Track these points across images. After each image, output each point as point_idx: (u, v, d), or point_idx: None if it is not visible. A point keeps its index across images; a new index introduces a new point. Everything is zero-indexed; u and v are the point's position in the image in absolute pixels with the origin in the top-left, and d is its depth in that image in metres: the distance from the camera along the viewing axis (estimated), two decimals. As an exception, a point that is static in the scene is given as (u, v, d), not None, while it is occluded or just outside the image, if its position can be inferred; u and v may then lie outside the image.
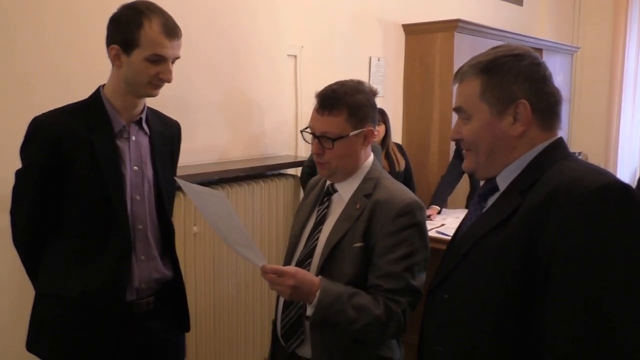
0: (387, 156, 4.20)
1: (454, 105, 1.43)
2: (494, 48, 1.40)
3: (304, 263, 1.86)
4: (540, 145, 1.33)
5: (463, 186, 4.66)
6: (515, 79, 1.32)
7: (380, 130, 4.10)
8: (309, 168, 3.67)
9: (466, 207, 4.61)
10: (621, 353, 1.07)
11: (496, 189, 1.39)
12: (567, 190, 1.16)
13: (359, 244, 1.76)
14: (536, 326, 1.19)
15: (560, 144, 1.35)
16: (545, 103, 1.33)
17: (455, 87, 1.44)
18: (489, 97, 1.34)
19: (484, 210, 1.42)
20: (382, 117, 4.13)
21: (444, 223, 3.96)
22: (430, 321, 1.49)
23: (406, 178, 4.25)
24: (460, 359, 1.34)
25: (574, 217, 1.13)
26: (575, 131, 7.92)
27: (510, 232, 1.25)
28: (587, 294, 1.10)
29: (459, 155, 4.40)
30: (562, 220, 1.14)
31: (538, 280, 1.18)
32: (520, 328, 1.22)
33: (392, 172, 4.10)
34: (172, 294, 2.15)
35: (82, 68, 2.73)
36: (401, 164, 4.23)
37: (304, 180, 3.72)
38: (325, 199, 1.94)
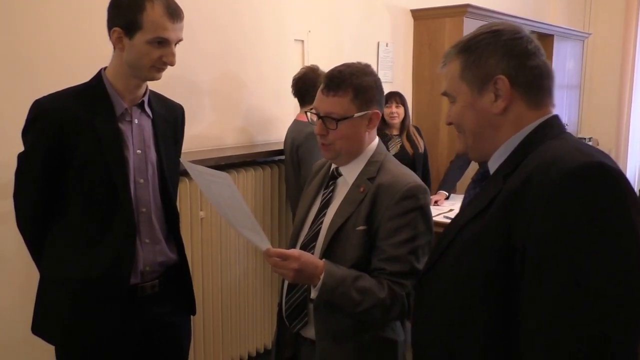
0: (409, 138, 4.34)
1: (442, 90, 1.42)
2: (478, 28, 1.37)
3: (308, 246, 1.85)
4: (529, 125, 1.29)
5: (472, 172, 4.64)
6: (492, 55, 1.28)
7: (399, 112, 4.27)
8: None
9: (475, 193, 4.60)
10: (601, 334, 1.03)
11: (489, 173, 1.36)
12: (542, 173, 1.12)
13: (362, 227, 1.76)
14: (517, 313, 1.15)
15: (550, 122, 1.29)
16: (527, 77, 1.28)
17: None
18: (467, 76, 1.32)
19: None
20: (401, 99, 4.28)
21: (452, 208, 3.94)
22: (417, 310, 1.47)
23: (424, 160, 4.41)
24: (445, 349, 1.32)
25: (548, 200, 1.08)
26: (585, 117, 7.87)
27: (489, 220, 1.21)
28: (562, 279, 1.05)
29: None
30: (536, 204, 1.10)
31: (516, 269, 1.14)
32: (503, 317, 1.18)
33: (416, 153, 4.29)
34: (177, 277, 2.16)
35: (83, 51, 2.73)
36: (421, 146, 4.37)
37: None
38: (330, 183, 1.94)
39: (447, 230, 1.39)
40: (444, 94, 1.40)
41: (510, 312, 1.17)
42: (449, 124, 1.41)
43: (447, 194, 4.30)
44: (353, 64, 1.84)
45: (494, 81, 1.28)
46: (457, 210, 3.88)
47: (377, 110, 1.84)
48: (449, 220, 3.59)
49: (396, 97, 4.27)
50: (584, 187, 1.06)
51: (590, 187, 1.06)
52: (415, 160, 4.29)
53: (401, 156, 4.17)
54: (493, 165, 1.34)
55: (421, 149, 4.36)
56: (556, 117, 1.31)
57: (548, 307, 1.07)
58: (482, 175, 1.39)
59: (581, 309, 1.03)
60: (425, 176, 4.41)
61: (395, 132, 4.32)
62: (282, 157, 3.62)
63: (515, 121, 1.29)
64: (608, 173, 1.07)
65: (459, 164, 4.45)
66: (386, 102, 4.23)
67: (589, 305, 1.03)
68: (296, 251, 1.70)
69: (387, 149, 4.14)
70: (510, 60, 1.27)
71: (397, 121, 4.28)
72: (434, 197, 4.11)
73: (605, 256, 1.03)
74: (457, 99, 1.35)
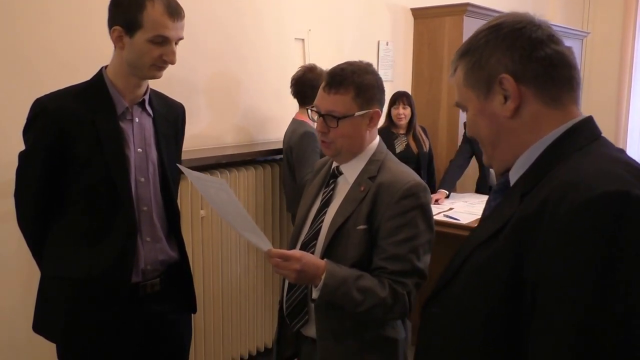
0: (415, 137, 4.40)
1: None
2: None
3: (308, 245, 1.86)
4: (554, 131, 1.13)
5: (472, 170, 4.64)
6: (493, 53, 1.14)
7: (406, 113, 4.34)
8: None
9: (476, 192, 4.60)
10: None
11: (509, 184, 1.22)
12: (558, 199, 0.97)
13: (362, 227, 1.76)
14: (521, 356, 1.02)
15: (581, 128, 1.13)
16: (536, 70, 1.12)
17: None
18: (471, 80, 1.19)
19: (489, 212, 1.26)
20: (408, 100, 4.35)
21: (452, 207, 3.94)
22: (420, 337, 1.33)
23: (429, 159, 4.50)
24: None
25: (561, 234, 0.94)
26: (584, 116, 7.87)
27: (498, 247, 1.07)
28: (574, 325, 0.92)
29: (467, 140, 4.40)
30: (549, 237, 0.96)
31: (525, 306, 1.00)
32: (505, 355, 1.06)
33: (420, 152, 4.36)
34: (178, 276, 2.16)
35: (84, 50, 2.73)
36: (427, 145, 4.45)
37: None
38: (330, 181, 1.94)
39: (461, 249, 1.25)
40: (457, 104, 1.28)
41: (513, 353, 1.05)
42: (471, 136, 1.28)
43: (448, 192, 4.30)
44: (355, 62, 1.84)
45: (498, 81, 1.13)
46: (457, 209, 3.90)
47: (377, 109, 1.84)
48: (449, 219, 3.61)
49: (403, 98, 4.33)
50: (601, 223, 0.91)
51: (607, 222, 0.91)
52: (420, 159, 4.33)
53: (406, 155, 4.22)
54: (513, 177, 1.19)
55: (426, 148, 4.43)
56: (586, 122, 1.15)
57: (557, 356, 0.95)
58: (504, 185, 1.25)
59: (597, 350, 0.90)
60: (430, 176, 4.48)
61: (401, 131, 4.37)
62: (282, 156, 3.62)
63: (532, 123, 1.14)
64: (633, 205, 0.91)
65: (459, 162, 4.45)
66: (394, 103, 4.32)
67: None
68: (298, 252, 1.70)
69: (393, 147, 4.18)
70: (514, 54, 1.12)
71: (403, 122, 4.35)
72: (434, 196, 4.12)
73: (618, 306, 0.89)
74: (468, 108, 1.22)
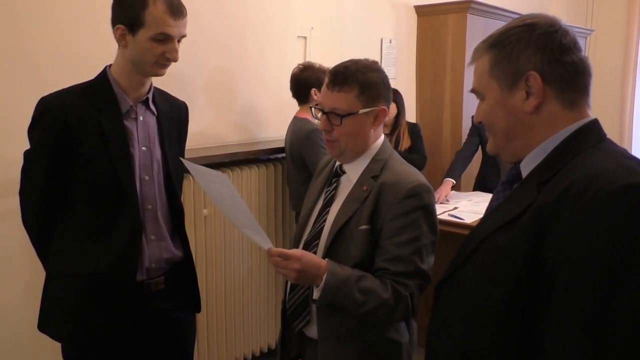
0: (397, 138, 4.32)
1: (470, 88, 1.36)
2: (511, 21, 1.30)
3: (311, 245, 1.84)
4: (567, 128, 1.21)
5: (473, 167, 4.60)
6: (524, 50, 1.20)
7: (390, 108, 4.16)
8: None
9: (475, 189, 4.56)
10: None
11: (520, 175, 1.29)
12: (581, 189, 1.05)
13: (364, 227, 1.74)
14: (535, 336, 1.11)
15: (591, 127, 1.22)
16: (562, 73, 1.20)
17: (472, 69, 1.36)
18: (497, 72, 1.24)
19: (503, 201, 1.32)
20: (395, 96, 4.18)
21: (457, 206, 3.92)
22: (434, 316, 1.41)
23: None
24: (458, 358, 1.28)
25: (584, 220, 1.02)
26: (587, 115, 7.85)
27: (518, 232, 1.15)
28: (590, 307, 1.00)
29: (477, 132, 4.34)
30: (570, 222, 1.04)
31: (542, 287, 1.08)
32: (520, 334, 1.14)
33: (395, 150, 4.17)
34: (182, 274, 2.16)
35: (88, 48, 2.72)
36: (404, 144, 4.32)
37: None
38: (333, 180, 1.92)
39: (472, 236, 1.34)
40: (472, 91, 1.33)
41: (529, 335, 1.13)
42: (479, 122, 1.35)
43: (454, 181, 4.20)
44: (360, 60, 1.83)
45: (525, 78, 1.20)
46: (461, 208, 3.87)
47: (384, 107, 1.82)
48: (454, 219, 3.59)
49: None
50: (624, 210, 1.00)
51: (631, 210, 1.00)
52: None
53: None
54: (525, 169, 1.27)
55: (401, 148, 4.30)
56: (595, 122, 1.24)
57: (571, 339, 1.02)
58: (514, 177, 1.32)
59: (611, 336, 0.98)
60: None
61: (385, 130, 4.31)
62: (285, 155, 3.61)
63: (548, 121, 1.22)
64: None
65: (465, 154, 4.38)
66: None
67: (619, 334, 0.98)
68: (298, 251, 1.69)
69: None
70: (544, 56, 1.20)
71: (387, 119, 4.23)
72: (441, 190, 4.05)
73: (632, 287, 0.97)
74: (486, 96, 1.28)
